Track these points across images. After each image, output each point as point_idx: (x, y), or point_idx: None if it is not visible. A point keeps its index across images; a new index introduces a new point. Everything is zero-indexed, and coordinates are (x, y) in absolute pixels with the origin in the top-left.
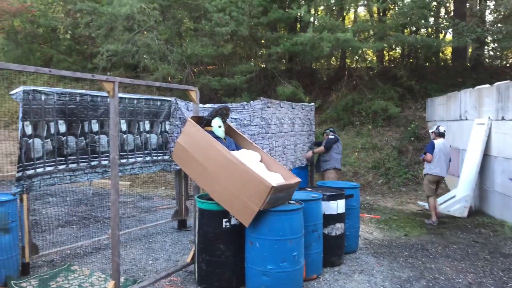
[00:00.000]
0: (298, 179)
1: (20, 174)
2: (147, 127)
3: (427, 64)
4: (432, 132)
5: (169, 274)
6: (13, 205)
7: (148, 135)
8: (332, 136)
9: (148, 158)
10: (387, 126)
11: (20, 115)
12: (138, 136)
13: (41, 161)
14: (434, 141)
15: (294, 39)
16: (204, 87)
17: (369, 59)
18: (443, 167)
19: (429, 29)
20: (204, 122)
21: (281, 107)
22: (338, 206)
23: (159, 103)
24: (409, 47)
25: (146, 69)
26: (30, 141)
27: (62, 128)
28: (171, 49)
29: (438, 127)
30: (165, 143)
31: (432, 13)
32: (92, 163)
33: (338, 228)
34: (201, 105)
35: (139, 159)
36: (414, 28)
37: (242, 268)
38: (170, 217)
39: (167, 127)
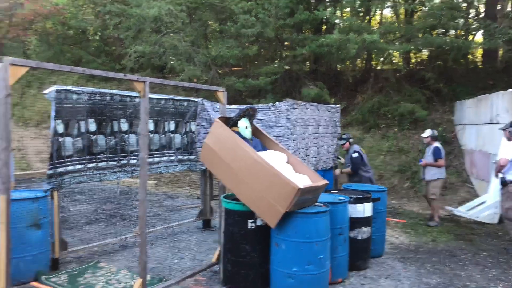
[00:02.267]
0: (325, 181)
1: (51, 171)
2: (172, 127)
3: (455, 66)
4: (427, 137)
5: (194, 273)
6: (44, 202)
7: (172, 135)
8: (356, 154)
9: (172, 158)
10: (414, 129)
11: (53, 114)
12: (163, 135)
13: (72, 159)
14: (437, 145)
15: (320, 40)
16: (228, 89)
17: (395, 61)
18: None
19: (458, 31)
20: (231, 122)
21: (306, 108)
22: (365, 210)
23: (185, 103)
24: (437, 49)
25: (172, 70)
26: (62, 139)
27: (92, 127)
28: (197, 51)
29: (433, 131)
30: (190, 143)
31: (461, 14)
32: (121, 162)
33: (364, 232)
34: (227, 106)
35: (164, 158)
36: (443, 30)
37: (267, 270)
38: (195, 217)
39: (193, 127)
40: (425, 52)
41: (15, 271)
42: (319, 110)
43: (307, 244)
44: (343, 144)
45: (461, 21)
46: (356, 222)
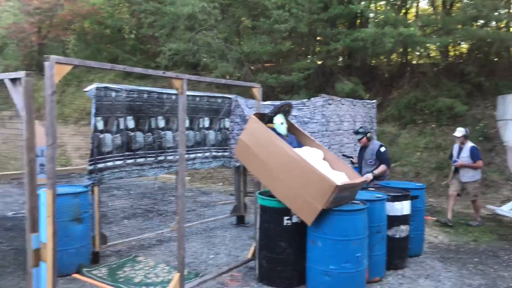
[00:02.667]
0: (363, 179)
1: (92, 167)
2: (206, 123)
3: (497, 59)
4: (461, 136)
5: (230, 269)
6: (85, 197)
7: (206, 132)
8: (384, 148)
9: (207, 154)
10: (452, 124)
11: (93, 111)
12: (198, 132)
13: (111, 155)
14: (472, 144)
15: (354, 34)
16: (261, 85)
17: (432, 54)
18: None
19: (500, 22)
20: (266, 119)
21: (342, 104)
22: (403, 208)
23: (220, 100)
24: (478, 41)
25: (205, 67)
26: (102, 136)
27: (131, 124)
28: (230, 48)
29: (466, 130)
30: (225, 140)
31: (503, 4)
32: (159, 158)
33: (402, 230)
34: (261, 103)
35: (199, 154)
36: (483, 22)
37: (303, 267)
38: (229, 213)
39: (227, 124)
40: (464, 45)
41: (59, 263)
42: (354, 105)
43: (344, 242)
44: (360, 139)
45: (503, 11)
46: (394, 220)
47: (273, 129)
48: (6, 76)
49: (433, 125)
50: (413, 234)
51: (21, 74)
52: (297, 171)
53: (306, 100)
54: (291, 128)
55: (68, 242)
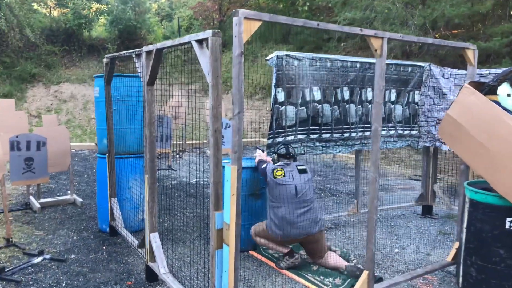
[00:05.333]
0: None
1: (270, 141)
2: (393, 96)
3: None
4: None
5: (426, 272)
6: None
7: (392, 106)
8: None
9: (392, 132)
10: None
11: (273, 81)
12: (383, 106)
13: (292, 129)
14: None
15: None
16: (448, 54)
17: None
18: None
19: None
20: (485, 89)
21: None
22: None
23: (409, 69)
24: None
25: None
26: (282, 108)
27: (317, 95)
28: (413, 13)
29: None
30: (413, 116)
31: None
32: (345, 135)
33: None
34: (463, 72)
35: (383, 132)
36: None
37: None
38: (414, 201)
39: (417, 97)
40: None
41: None
42: None
43: None
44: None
45: None
46: None
47: (496, 103)
48: (193, 37)
49: None
50: None
51: (207, 33)
52: None
53: None
54: None
55: (246, 217)
